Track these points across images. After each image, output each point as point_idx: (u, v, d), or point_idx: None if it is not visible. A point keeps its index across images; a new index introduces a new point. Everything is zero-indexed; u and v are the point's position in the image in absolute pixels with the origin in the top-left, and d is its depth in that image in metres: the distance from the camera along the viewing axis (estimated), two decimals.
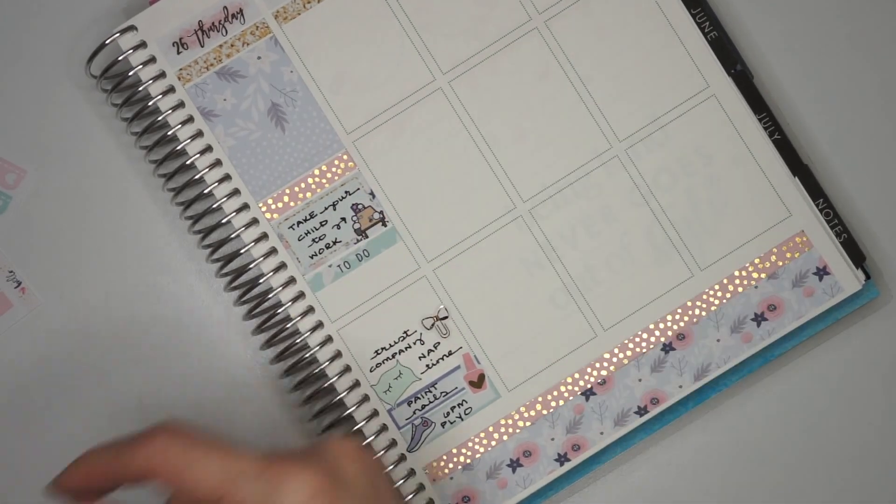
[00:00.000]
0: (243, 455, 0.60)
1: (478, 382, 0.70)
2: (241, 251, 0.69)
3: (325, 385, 0.69)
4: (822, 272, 0.70)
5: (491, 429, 0.70)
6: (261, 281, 0.69)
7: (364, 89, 0.70)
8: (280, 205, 0.70)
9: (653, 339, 0.70)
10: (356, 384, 0.69)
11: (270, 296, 0.69)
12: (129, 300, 0.71)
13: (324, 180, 0.70)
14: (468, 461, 0.70)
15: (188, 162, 0.69)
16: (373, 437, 0.69)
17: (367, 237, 0.70)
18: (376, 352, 0.70)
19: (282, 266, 0.69)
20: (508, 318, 0.70)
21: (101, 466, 0.61)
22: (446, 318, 0.70)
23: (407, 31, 0.70)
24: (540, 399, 0.70)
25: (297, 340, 0.69)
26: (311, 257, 0.70)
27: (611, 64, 0.71)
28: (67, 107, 0.71)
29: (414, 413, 0.70)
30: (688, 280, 0.70)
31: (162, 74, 0.69)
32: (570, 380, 0.70)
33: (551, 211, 0.70)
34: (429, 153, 0.70)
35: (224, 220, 0.69)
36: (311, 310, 0.69)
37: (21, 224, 0.71)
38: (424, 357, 0.70)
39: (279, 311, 0.69)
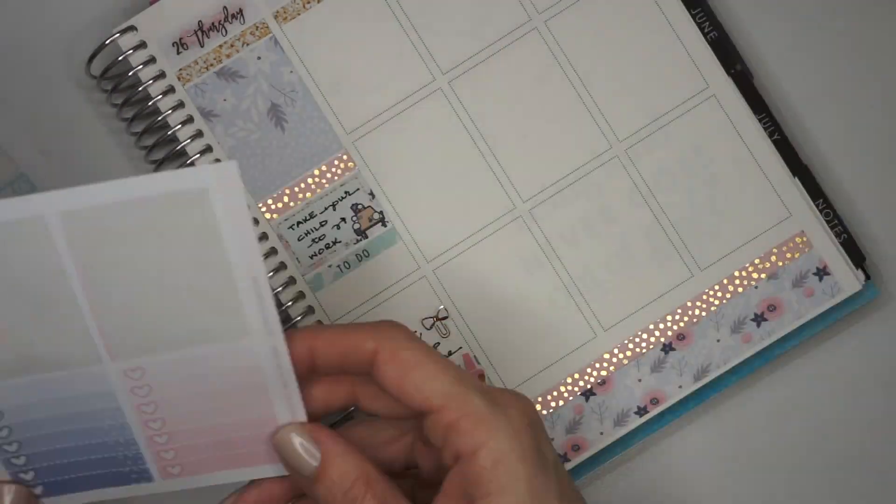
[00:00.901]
0: (471, 375, 0.60)
1: None
2: None
3: None
4: (822, 272, 0.70)
5: None
6: None
7: (364, 89, 0.70)
8: (280, 205, 0.70)
9: (653, 339, 0.70)
10: None
11: None
12: None
13: (323, 180, 0.70)
14: None
15: (188, 162, 0.69)
16: None
17: (366, 237, 0.70)
18: None
19: (282, 266, 0.69)
20: (508, 319, 0.70)
21: (328, 341, 0.59)
22: (446, 318, 0.70)
23: (407, 31, 0.70)
24: (540, 399, 0.70)
25: None
26: (311, 257, 0.70)
27: (611, 64, 0.71)
28: (67, 107, 0.71)
29: None
30: (688, 280, 0.70)
31: (162, 74, 0.69)
32: (569, 380, 0.70)
33: (551, 211, 0.70)
34: (429, 153, 0.70)
35: None
36: (311, 310, 0.69)
37: None
38: None
39: (279, 311, 0.69)
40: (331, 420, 0.67)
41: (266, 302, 0.58)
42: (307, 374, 0.60)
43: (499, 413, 0.58)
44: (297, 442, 0.59)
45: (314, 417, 0.60)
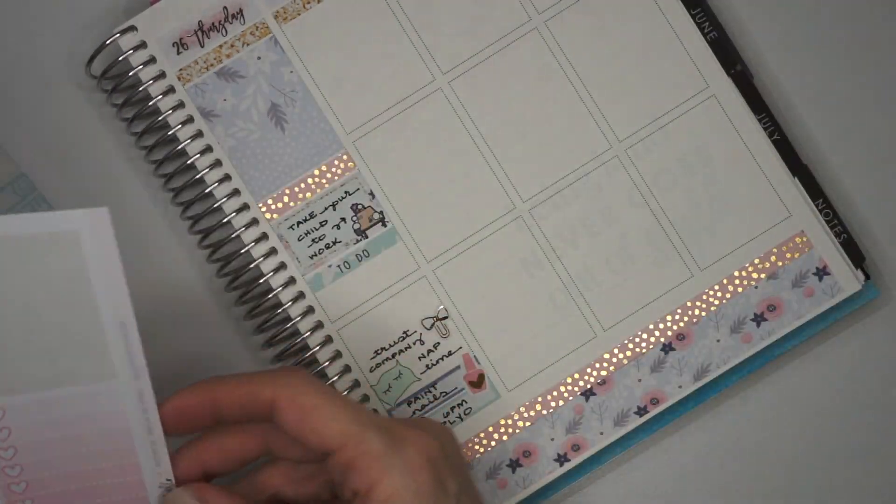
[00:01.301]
0: (370, 412, 0.61)
1: (477, 383, 0.70)
2: (241, 251, 0.69)
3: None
4: (821, 272, 0.70)
5: (491, 429, 0.70)
6: (261, 281, 0.69)
7: (364, 89, 0.70)
8: (280, 205, 0.70)
9: (652, 339, 0.70)
10: (356, 384, 0.69)
11: (270, 296, 0.69)
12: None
13: (324, 180, 0.70)
14: (468, 461, 0.70)
15: (188, 162, 0.69)
16: None
17: (366, 237, 0.70)
18: (376, 352, 0.70)
19: (282, 266, 0.69)
20: (508, 319, 0.70)
21: (227, 390, 0.61)
22: (446, 318, 0.70)
23: (407, 31, 0.70)
24: (540, 399, 0.70)
25: (297, 340, 0.69)
26: (311, 257, 0.70)
27: (611, 64, 0.71)
28: (67, 107, 0.71)
29: (414, 413, 0.70)
30: (688, 280, 0.70)
31: (162, 75, 0.69)
32: (569, 380, 0.70)
33: (551, 211, 0.70)
34: (429, 153, 0.70)
35: (224, 221, 0.69)
36: (310, 310, 0.69)
37: None
38: (424, 357, 0.70)
39: (279, 311, 0.69)
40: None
41: (133, 346, 0.59)
42: (212, 424, 0.62)
43: (395, 451, 0.60)
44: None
45: (231, 471, 0.63)
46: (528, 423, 0.70)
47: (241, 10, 0.70)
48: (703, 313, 0.70)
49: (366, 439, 0.60)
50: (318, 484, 0.64)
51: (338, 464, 0.60)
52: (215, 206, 0.69)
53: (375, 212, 0.70)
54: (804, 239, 0.71)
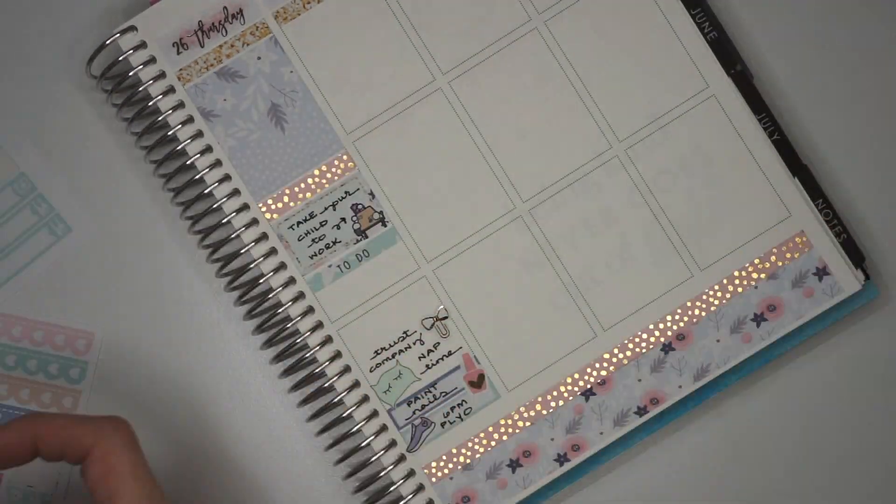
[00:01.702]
0: (161, 493, 0.63)
1: (477, 382, 0.70)
2: (241, 251, 0.69)
3: (325, 385, 0.69)
4: (821, 272, 0.70)
5: (491, 429, 0.70)
6: (261, 281, 0.69)
7: (364, 89, 0.70)
8: (280, 205, 0.70)
9: (652, 339, 0.70)
10: (356, 384, 0.69)
11: (270, 296, 0.69)
12: (128, 300, 0.71)
13: (324, 180, 0.70)
14: (468, 461, 0.70)
15: (188, 162, 0.69)
16: (372, 437, 0.69)
17: (366, 237, 0.70)
18: (376, 352, 0.70)
19: (282, 266, 0.69)
20: (508, 319, 0.70)
21: (51, 431, 0.63)
22: (446, 318, 0.70)
23: (407, 31, 0.70)
24: (540, 399, 0.70)
25: (297, 340, 0.69)
26: (311, 257, 0.70)
27: (611, 64, 0.71)
28: (67, 107, 0.71)
29: (414, 413, 0.70)
30: (687, 280, 0.70)
31: (162, 75, 0.69)
32: (569, 380, 0.70)
33: (551, 211, 0.70)
34: (429, 153, 0.70)
35: (224, 221, 0.69)
36: (310, 310, 0.69)
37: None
38: (424, 357, 0.70)
39: (279, 311, 0.69)
40: None
41: None
42: (29, 460, 0.63)
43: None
44: None
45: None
46: (528, 423, 0.70)
47: (241, 10, 0.70)
48: (703, 313, 0.70)
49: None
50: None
51: None
52: (215, 206, 0.69)
53: (375, 212, 0.70)
54: (804, 239, 0.71)
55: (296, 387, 0.70)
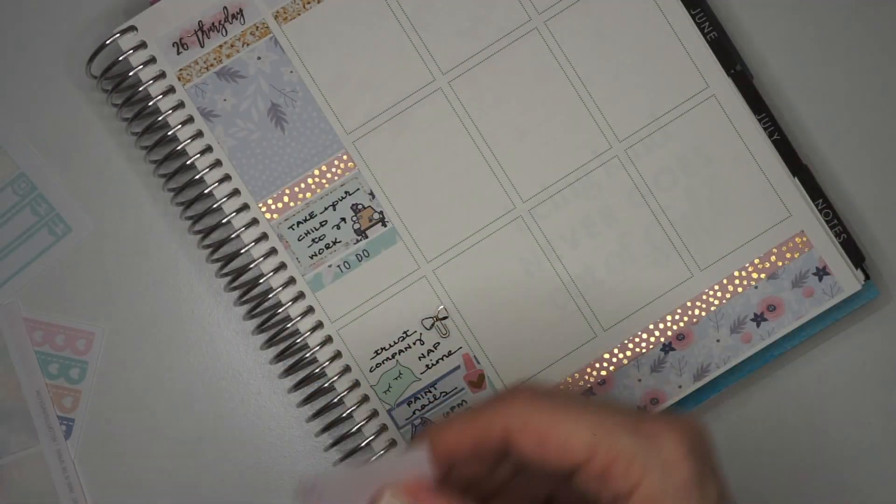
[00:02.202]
0: (611, 408, 0.56)
1: (477, 383, 0.70)
2: (242, 251, 0.69)
3: (325, 385, 0.69)
4: (821, 272, 0.70)
5: None
6: (261, 281, 0.69)
7: (364, 89, 0.70)
8: (280, 205, 0.70)
9: (652, 339, 0.70)
10: (356, 384, 0.69)
11: (270, 296, 0.69)
12: (128, 300, 0.71)
13: (324, 180, 0.70)
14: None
15: (188, 162, 0.69)
16: (372, 437, 0.69)
17: (366, 237, 0.70)
18: (376, 352, 0.70)
19: (282, 266, 0.69)
20: (508, 319, 0.70)
21: (453, 438, 0.56)
22: (446, 318, 0.70)
23: (407, 31, 0.70)
24: None
25: (297, 340, 0.69)
26: (311, 257, 0.70)
27: (611, 64, 0.71)
28: (67, 107, 0.71)
29: (414, 413, 0.70)
30: (687, 280, 0.70)
31: (162, 75, 0.69)
32: (569, 380, 0.70)
33: (551, 211, 0.70)
34: (429, 153, 0.70)
35: (224, 221, 0.69)
36: (310, 310, 0.69)
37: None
38: (424, 357, 0.70)
39: (279, 311, 0.69)
40: None
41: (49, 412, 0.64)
42: (448, 471, 0.57)
43: (650, 448, 0.55)
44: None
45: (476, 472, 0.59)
46: None
47: (241, 10, 0.70)
48: (703, 313, 0.70)
49: (615, 441, 0.55)
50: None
51: (589, 477, 0.56)
52: (215, 206, 0.69)
53: (375, 212, 0.70)
54: (804, 239, 0.71)
55: (296, 387, 0.70)
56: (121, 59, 0.69)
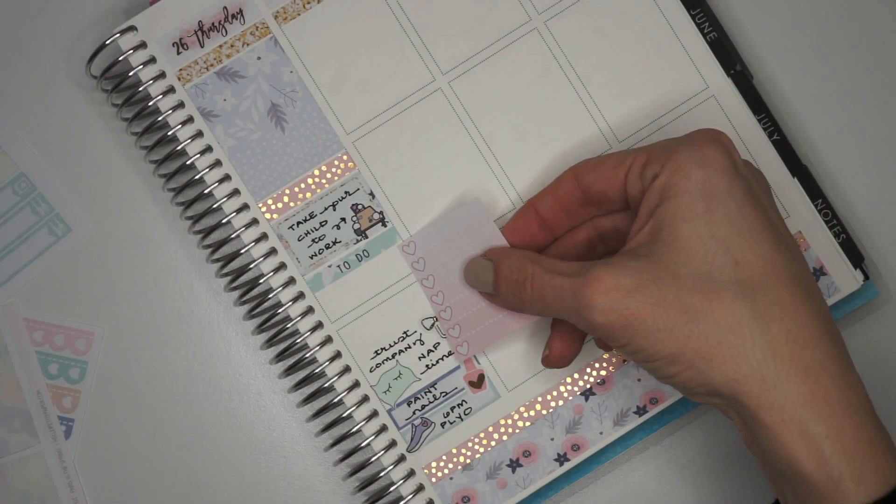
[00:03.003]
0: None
1: (477, 383, 0.70)
2: (242, 251, 0.69)
3: (325, 385, 0.69)
4: (820, 272, 0.70)
5: (490, 429, 0.70)
6: (261, 281, 0.69)
7: (364, 89, 0.70)
8: (280, 205, 0.70)
9: None
10: (356, 384, 0.69)
11: (270, 296, 0.69)
12: (128, 300, 0.71)
13: (323, 180, 0.70)
14: (468, 461, 0.70)
15: (188, 162, 0.69)
16: (372, 437, 0.69)
17: (366, 237, 0.70)
18: (376, 352, 0.70)
19: (282, 266, 0.69)
20: None
21: (542, 200, 0.66)
22: None
23: (407, 31, 0.70)
24: (539, 399, 0.70)
25: (297, 340, 0.69)
26: (311, 257, 0.70)
27: (611, 64, 0.71)
28: (67, 107, 0.71)
29: (414, 413, 0.70)
30: None
31: (162, 75, 0.69)
32: (569, 380, 0.70)
33: None
34: (429, 153, 0.70)
35: (224, 221, 0.69)
36: (310, 310, 0.69)
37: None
38: (424, 357, 0.70)
39: (279, 311, 0.69)
40: None
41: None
42: (580, 206, 0.66)
43: (684, 139, 0.62)
44: (475, 264, 0.67)
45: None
46: (527, 423, 0.70)
47: (241, 10, 0.70)
48: None
49: (664, 145, 0.62)
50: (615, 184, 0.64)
51: (639, 174, 0.62)
52: (215, 206, 0.69)
53: (375, 212, 0.70)
54: (803, 239, 0.71)
55: (296, 387, 0.70)
56: (121, 59, 0.69)
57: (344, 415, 0.69)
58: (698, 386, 0.59)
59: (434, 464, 0.70)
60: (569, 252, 0.67)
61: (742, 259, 0.59)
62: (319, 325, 0.69)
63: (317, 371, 0.69)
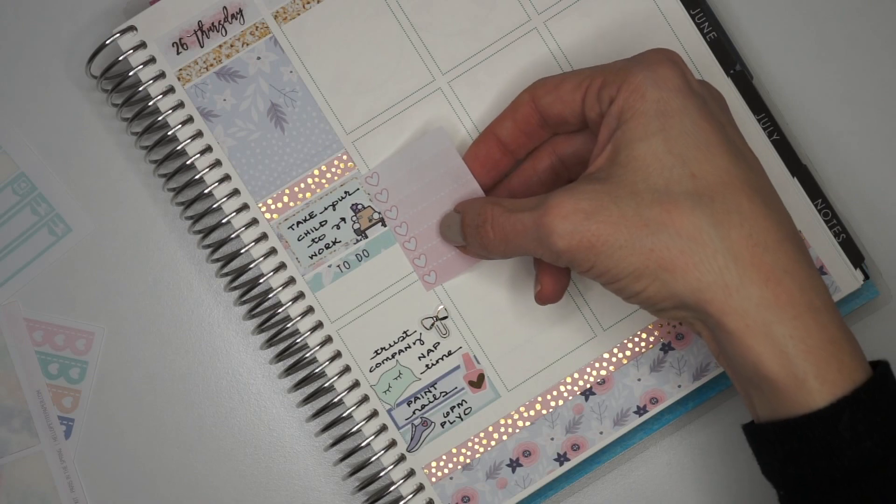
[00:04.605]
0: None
1: (477, 382, 0.70)
2: (241, 251, 0.69)
3: (325, 385, 0.69)
4: (820, 272, 0.70)
5: (490, 429, 0.70)
6: (261, 281, 0.69)
7: (364, 89, 0.70)
8: (280, 205, 0.70)
9: (652, 338, 0.70)
10: (356, 384, 0.69)
11: (270, 296, 0.69)
12: (128, 300, 0.71)
13: (323, 180, 0.70)
14: (468, 461, 0.70)
15: (188, 162, 0.69)
16: (372, 437, 0.69)
17: (366, 237, 0.70)
18: (376, 352, 0.70)
19: (281, 266, 0.69)
20: (508, 318, 0.70)
21: (500, 125, 0.67)
22: (446, 318, 0.70)
23: (407, 32, 0.70)
24: (539, 399, 0.70)
25: (297, 340, 0.69)
26: (311, 257, 0.70)
27: None
28: (67, 107, 0.71)
29: (413, 413, 0.70)
30: None
31: (162, 75, 0.69)
32: (569, 380, 0.70)
33: None
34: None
35: (224, 221, 0.69)
36: (310, 310, 0.69)
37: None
38: (424, 357, 0.70)
39: (279, 311, 0.69)
40: None
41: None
42: (538, 127, 0.66)
43: (638, 59, 0.63)
44: (447, 219, 0.68)
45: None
46: (527, 423, 0.70)
47: (240, 10, 0.70)
48: None
49: (618, 65, 0.62)
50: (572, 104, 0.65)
51: (596, 96, 0.63)
52: (215, 206, 0.69)
53: (375, 212, 0.70)
54: (803, 239, 0.71)
55: (296, 387, 0.70)
56: (121, 59, 0.69)
57: (344, 415, 0.69)
58: (664, 300, 0.60)
59: (434, 463, 0.70)
60: (533, 183, 0.67)
61: (699, 171, 0.60)
62: (319, 325, 0.69)
63: (317, 371, 0.69)
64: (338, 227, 0.70)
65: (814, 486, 0.59)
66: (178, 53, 0.70)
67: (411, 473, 0.69)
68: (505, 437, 0.70)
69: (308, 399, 0.70)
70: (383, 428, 0.69)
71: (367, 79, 0.70)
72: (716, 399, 0.71)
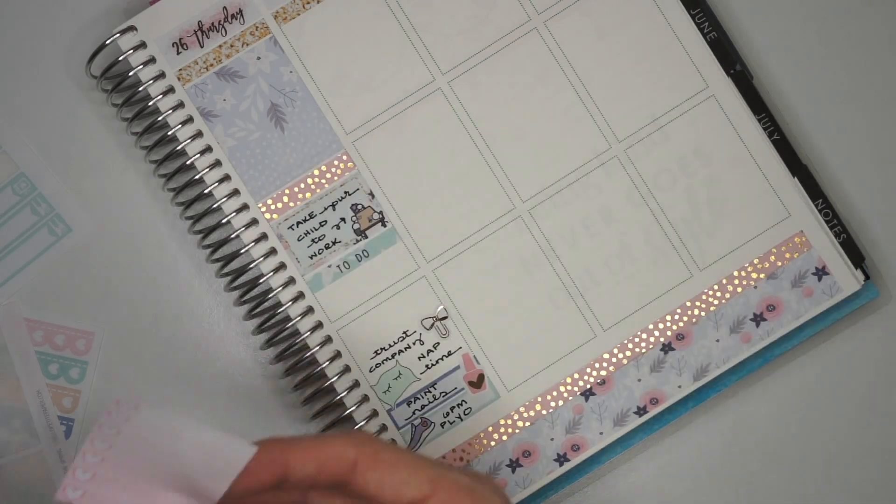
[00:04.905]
0: (441, 463, 0.59)
1: (477, 383, 0.70)
2: (241, 251, 0.69)
3: (325, 385, 0.69)
4: (820, 272, 0.70)
5: (490, 429, 0.70)
6: (261, 281, 0.69)
7: (364, 89, 0.70)
8: (280, 205, 0.70)
9: (652, 339, 0.70)
10: (356, 384, 0.69)
11: (270, 296, 0.69)
12: (128, 300, 0.71)
13: (323, 181, 0.70)
14: (467, 461, 0.70)
15: (188, 162, 0.69)
16: None
17: (366, 237, 0.70)
18: (376, 352, 0.70)
19: (281, 266, 0.69)
20: (508, 319, 0.70)
21: (302, 451, 0.56)
22: (446, 318, 0.70)
23: (407, 32, 0.70)
24: (539, 399, 0.70)
25: (297, 340, 0.69)
26: (311, 257, 0.70)
27: (610, 64, 0.71)
28: (67, 107, 0.71)
29: (413, 413, 0.70)
30: (687, 280, 0.70)
31: (162, 75, 0.70)
32: (569, 380, 0.70)
33: (550, 211, 0.70)
34: (428, 153, 0.70)
35: (224, 221, 0.69)
36: (310, 310, 0.69)
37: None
38: (424, 357, 0.70)
39: (279, 311, 0.69)
40: None
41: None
42: (276, 486, 0.56)
43: (486, 485, 0.57)
44: None
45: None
46: (527, 423, 0.70)
47: (240, 10, 0.70)
48: (703, 313, 0.70)
49: (457, 478, 0.57)
50: None
51: None
52: (215, 206, 0.69)
53: (375, 212, 0.70)
54: (803, 239, 0.71)
55: (296, 387, 0.70)
56: (121, 59, 0.69)
57: (344, 415, 0.69)
58: None
59: None
60: None
61: None
62: (319, 325, 0.69)
63: (317, 371, 0.69)
64: (338, 227, 0.70)
65: None
66: (178, 53, 0.70)
67: None
68: (505, 438, 0.70)
69: (308, 399, 0.70)
70: (383, 428, 0.69)
71: (367, 79, 0.70)
72: (716, 399, 0.71)
